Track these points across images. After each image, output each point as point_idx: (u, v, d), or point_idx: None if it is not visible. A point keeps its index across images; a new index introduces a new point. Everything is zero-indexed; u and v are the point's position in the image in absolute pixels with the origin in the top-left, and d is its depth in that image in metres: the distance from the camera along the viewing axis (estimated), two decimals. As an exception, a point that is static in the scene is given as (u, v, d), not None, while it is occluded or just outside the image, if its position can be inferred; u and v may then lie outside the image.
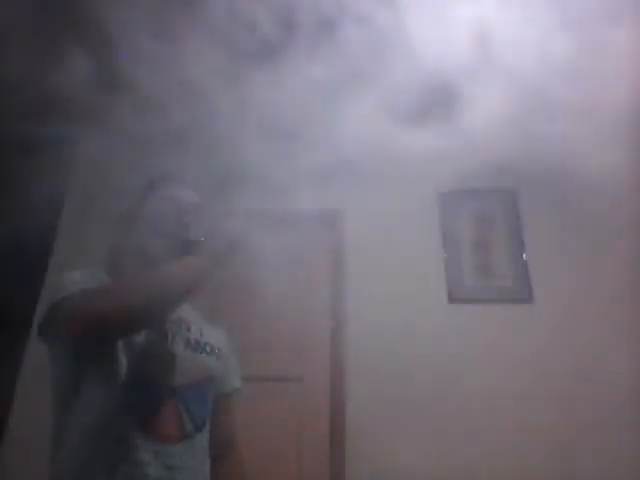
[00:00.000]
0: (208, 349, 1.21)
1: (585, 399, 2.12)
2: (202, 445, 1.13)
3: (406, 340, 2.30)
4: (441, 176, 2.66)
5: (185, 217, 1.19)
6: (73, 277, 1.07)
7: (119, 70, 2.31)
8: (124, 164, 2.80)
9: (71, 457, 0.99)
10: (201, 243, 1.10)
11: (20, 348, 2.37)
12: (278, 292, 2.49)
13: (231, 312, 2.39)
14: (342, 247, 2.52)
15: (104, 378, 1.03)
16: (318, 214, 2.62)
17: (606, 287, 2.34)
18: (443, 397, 2.17)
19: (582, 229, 2.48)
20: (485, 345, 2.26)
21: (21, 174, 3.17)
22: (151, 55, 2.17)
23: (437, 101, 2.44)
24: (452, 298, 2.37)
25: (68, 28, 2.22)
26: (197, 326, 1.23)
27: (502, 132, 2.31)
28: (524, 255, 2.43)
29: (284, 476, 2.11)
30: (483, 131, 2.30)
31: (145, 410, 1.04)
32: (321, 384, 2.26)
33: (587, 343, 2.23)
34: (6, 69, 2.46)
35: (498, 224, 2.53)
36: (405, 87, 2.33)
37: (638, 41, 2.07)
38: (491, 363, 2.22)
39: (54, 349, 1.07)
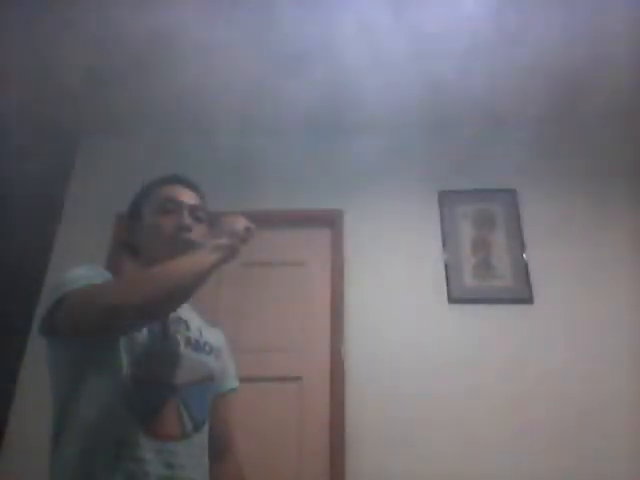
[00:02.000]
0: (207, 349, 1.21)
1: (585, 399, 2.12)
2: (201, 444, 1.13)
3: (406, 340, 2.30)
4: (441, 176, 2.66)
5: (186, 218, 1.19)
6: (80, 272, 1.07)
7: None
8: (125, 164, 2.81)
9: (72, 455, 0.99)
10: (203, 243, 1.10)
11: (20, 348, 2.38)
12: (278, 292, 2.49)
13: (231, 312, 2.39)
14: (342, 247, 2.51)
15: (105, 376, 1.03)
16: (318, 214, 2.62)
17: (606, 287, 2.34)
18: (443, 397, 2.17)
19: (582, 229, 2.48)
20: (485, 345, 2.26)
21: (21, 174, 3.17)
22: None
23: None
24: (452, 298, 2.37)
25: None
26: (196, 326, 1.24)
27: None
28: (524, 255, 2.43)
29: (284, 476, 2.11)
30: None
31: (146, 408, 1.04)
32: (321, 384, 2.26)
33: (587, 343, 2.23)
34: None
35: (498, 224, 2.53)
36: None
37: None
38: (491, 363, 2.22)
39: (56, 346, 1.07)
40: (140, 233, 1.22)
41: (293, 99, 2.63)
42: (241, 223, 1.11)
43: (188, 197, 1.24)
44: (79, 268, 1.10)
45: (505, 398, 2.15)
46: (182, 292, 1.01)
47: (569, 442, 2.06)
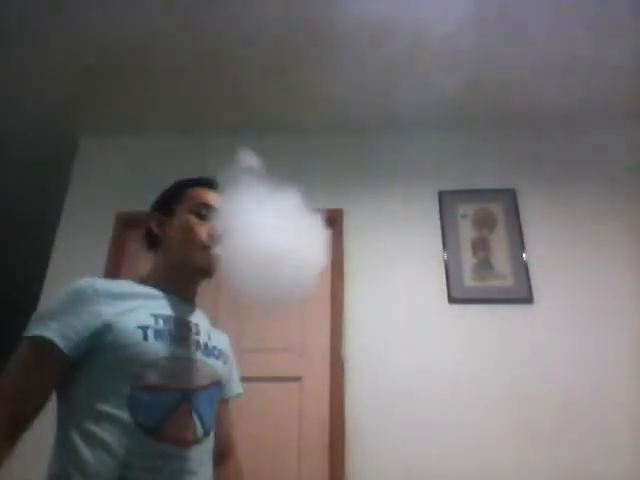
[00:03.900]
0: (216, 353, 1.20)
1: (585, 399, 2.12)
2: (208, 449, 1.12)
3: (406, 340, 2.30)
4: (441, 176, 2.66)
5: (218, 228, 1.12)
6: (52, 307, 1.05)
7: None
8: (125, 163, 2.81)
9: (83, 458, 0.97)
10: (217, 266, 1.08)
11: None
12: (278, 292, 2.49)
13: (231, 312, 2.39)
14: (342, 247, 2.51)
15: (118, 382, 1.02)
16: (318, 214, 2.61)
17: (606, 287, 2.34)
18: (443, 397, 2.17)
19: (582, 229, 2.48)
20: (485, 345, 2.26)
21: (21, 173, 3.18)
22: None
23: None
24: (452, 298, 2.37)
25: None
26: (205, 329, 1.22)
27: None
28: (524, 255, 2.43)
29: (284, 476, 2.11)
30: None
31: (159, 414, 1.02)
32: (321, 384, 2.26)
33: (587, 343, 2.23)
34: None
35: (498, 224, 2.53)
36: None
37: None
38: (491, 363, 2.22)
39: None
40: (170, 229, 1.20)
41: (294, 98, 2.64)
42: None
43: (220, 203, 1.19)
44: (62, 297, 1.07)
45: (505, 398, 2.15)
46: None
47: (569, 442, 2.06)
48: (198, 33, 2.29)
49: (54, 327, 1.02)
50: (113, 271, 2.48)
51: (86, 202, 2.72)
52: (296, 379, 2.29)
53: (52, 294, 1.07)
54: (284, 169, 2.90)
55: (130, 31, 2.28)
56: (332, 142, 2.80)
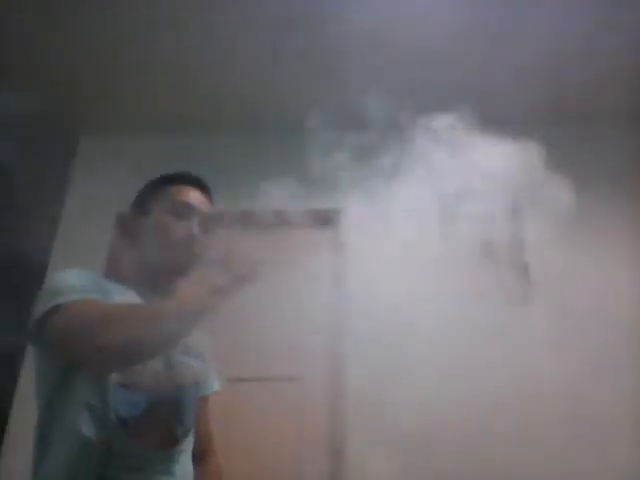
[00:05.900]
0: (194, 353, 1.19)
1: (585, 399, 2.12)
2: (187, 449, 1.12)
3: (406, 340, 2.30)
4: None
5: (196, 228, 1.14)
6: (74, 281, 1.02)
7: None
8: (125, 164, 2.81)
9: (57, 466, 0.97)
10: (203, 261, 1.06)
11: (21, 347, 2.37)
12: (277, 291, 2.49)
13: (230, 312, 2.39)
14: (342, 247, 2.51)
15: (93, 384, 1.01)
16: (318, 214, 2.61)
17: (606, 287, 2.34)
18: (443, 396, 2.17)
19: (582, 230, 2.48)
20: (484, 345, 2.26)
21: (22, 173, 3.18)
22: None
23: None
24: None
25: None
26: None
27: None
28: (524, 255, 2.43)
29: (284, 476, 2.11)
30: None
31: (136, 416, 1.02)
32: (321, 384, 2.26)
33: (587, 343, 2.23)
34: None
35: (498, 224, 2.53)
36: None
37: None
38: (491, 363, 2.22)
39: (42, 355, 1.05)
40: (146, 229, 1.18)
41: (294, 97, 2.64)
42: (250, 267, 1.03)
43: (200, 202, 1.20)
44: (74, 275, 1.04)
45: (504, 398, 2.15)
46: (175, 339, 0.97)
47: (569, 442, 2.06)
48: (199, 32, 2.29)
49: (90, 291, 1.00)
50: (113, 272, 2.48)
51: (86, 202, 2.72)
52: (296, 379, 2.29)
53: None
54: (284, 168, 2.88)
55: (131, 30, 2.29)
56: (332, 141, 2.79)
